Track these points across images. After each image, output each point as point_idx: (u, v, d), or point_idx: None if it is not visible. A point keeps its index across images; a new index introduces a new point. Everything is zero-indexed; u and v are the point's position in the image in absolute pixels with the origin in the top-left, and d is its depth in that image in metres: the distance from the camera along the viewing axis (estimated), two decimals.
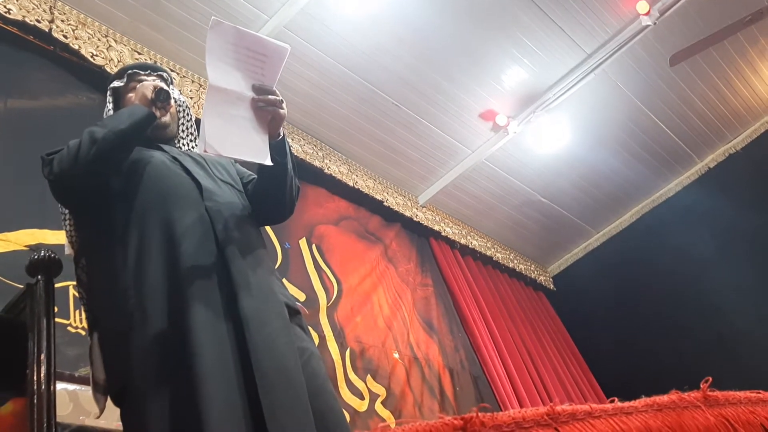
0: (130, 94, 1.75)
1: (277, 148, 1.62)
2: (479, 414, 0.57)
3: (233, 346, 1.35)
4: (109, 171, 1.55)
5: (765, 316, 5.35)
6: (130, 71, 1.80)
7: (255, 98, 1.54)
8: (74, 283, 2.71)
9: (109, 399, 1.48)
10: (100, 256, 1.55)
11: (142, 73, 1.80)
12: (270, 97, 1.56)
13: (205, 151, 1.42)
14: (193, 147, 1.89)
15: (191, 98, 4.02)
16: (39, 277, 1.58)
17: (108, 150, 1.52)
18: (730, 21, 4.35)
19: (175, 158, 1.67)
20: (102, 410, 1.52)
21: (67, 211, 1.66)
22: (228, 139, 1.48)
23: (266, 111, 1.56)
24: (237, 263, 1.47)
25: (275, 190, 1.71)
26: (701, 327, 5.65)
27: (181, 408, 1.27)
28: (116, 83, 1.80)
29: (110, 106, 1.79)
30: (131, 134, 1.57)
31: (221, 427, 1.22)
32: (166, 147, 1.73)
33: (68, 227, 1.66)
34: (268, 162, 1.56)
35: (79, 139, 1.54)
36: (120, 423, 1.55)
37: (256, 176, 1.80)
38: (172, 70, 4.02)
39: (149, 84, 1.67)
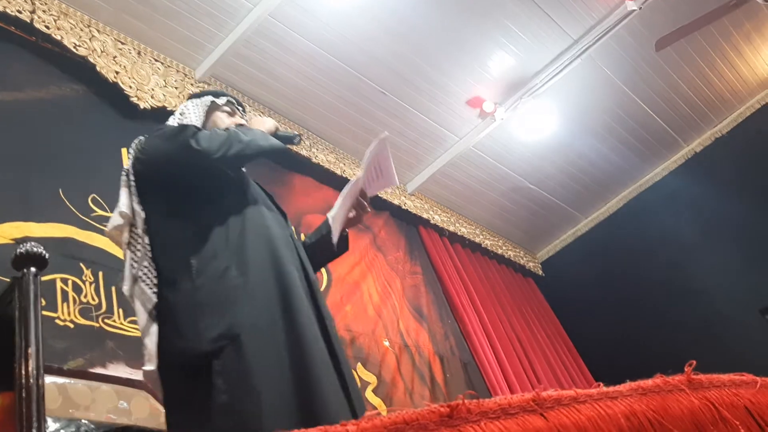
0: (222, 114, 1.98)
1: (344, 239, 1.99)
2: (465, 401, 0.58)
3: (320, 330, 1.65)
4: (233, 169, 1.83)
5: (750, 300, 5.40)
6: (229, 99, 2.03)
7: (359, 198, 1.91)
8: (61, 275, 2.71)
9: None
10: (187, 226, 1.72)
11: (238, 108, 2.05)
12: (367, 206, 1.94)
13: (328, 219, 1.94)
14: None
15: (176, 88, 3.99)
16: (25, 270, 1.57)
17: (247, 154, 1.78)
18: (715, 5, 4.36)
19: (256, 182, 1.95)
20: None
21: (134, 180, 1.78)
22: (337, 217, 1.91)
23: (357, 210, 1.94)
24: (311, 273, 1.80)
25: (321, 259, 2.02)
26: (688, 311, 5.70)
27: (292, 362, 1.52)
28: (216, 99, 2.00)
29: (195, 111, 1.96)
30: (265, 153, 1.86)
31: (329, 395, 1.51)
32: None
33: (134, 194, 1.77)
34: (335, 240, 1.92)
35: (225, 132, 1.79)
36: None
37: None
38: (156, 60, 3.99)
39: (271, 121, 1.94)
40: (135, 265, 1.71)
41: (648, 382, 0.75)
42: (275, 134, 1.91)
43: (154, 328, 1.61)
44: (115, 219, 1.79)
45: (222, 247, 1.67)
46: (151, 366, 1.57)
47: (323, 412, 1.47)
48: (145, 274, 1.68)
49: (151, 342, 1.59)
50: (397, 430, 0.52)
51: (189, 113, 1.96)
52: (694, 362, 0.77)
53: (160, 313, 1.63)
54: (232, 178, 1.82)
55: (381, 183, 1.95)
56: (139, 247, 1.72)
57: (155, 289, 1.65)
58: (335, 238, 1.91)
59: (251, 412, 1.45)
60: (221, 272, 1.62)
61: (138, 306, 1.65)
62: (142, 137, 1.86)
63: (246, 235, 1.71)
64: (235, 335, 1.52)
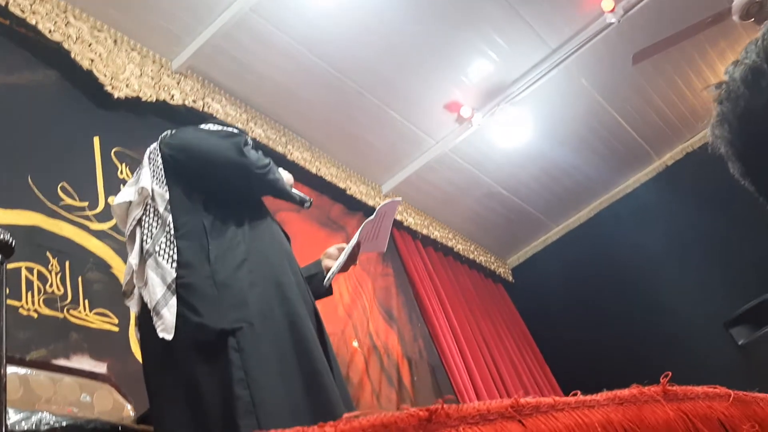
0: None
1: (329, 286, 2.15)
2: (444, 405, 0.57)
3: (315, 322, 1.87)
4: (261, 191, 2.06)
5: (714, 312, 5.49)
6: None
7: (355, 248, 2.07)
8: (27, 264, 2.65)
9: None
10: (206, 216, 1.85)
11: None
12: (357, 257, 2.13)
13: (321, 263, 2.15)
14: None
15: (152, 78, 3.94)
16: None
17: (276, 188, 2.03)
18: (692, 21, 4.43)
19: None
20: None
21: (162, 163, 1.91)
22: (334, 269, 2.08)
23: (347, 261, 2.08)
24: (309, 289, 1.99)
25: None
26: (654, 322, 5.78)
27: (297, 354, 1.71)
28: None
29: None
30: (284, 196, 2.09)
31: (331, 390, 1.69)
32: None
33: (157, 176, 1.90)
34: (325, 284, 2.09)
35: (268, 159, 1.98)
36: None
37: None
38: (132, 49, 3.92)
39: (289, 175, 2.18)
40: (149, 240, 1.81)
41: (624, 392, 0.75)
42: (302, 201, 2.16)
43: (173, 301, 1.70)
44: (127, 194, 1.92)
45: (238, 241, 1.81)
46: (168, 336, 1.66)
47: (326, 401, 1.65)
48: (163, 249, 1.78)
49: (170, 313, 1.68)
50: None
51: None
52: (670, 374, 0.78)
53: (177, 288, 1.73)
54: (254, 191, 2.01)
55: (372, 245, 2.14)
56: (155, 224, 1.83)
57: (175, 265, 1.74)
58: (327, 283, 2.09)
59: (266, 391, 1.58)
60: (239, 263, 1.77)
61: (154, 278, 1.75)
62: (171, 131, 1.99)
63: (262, 239, 1.88)
64: (251, 321, 1.66)
